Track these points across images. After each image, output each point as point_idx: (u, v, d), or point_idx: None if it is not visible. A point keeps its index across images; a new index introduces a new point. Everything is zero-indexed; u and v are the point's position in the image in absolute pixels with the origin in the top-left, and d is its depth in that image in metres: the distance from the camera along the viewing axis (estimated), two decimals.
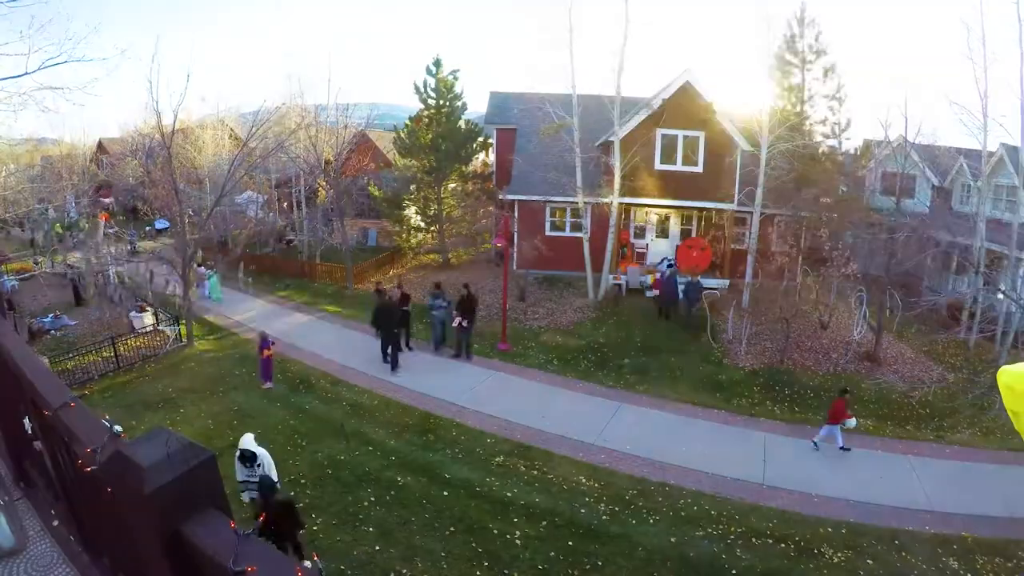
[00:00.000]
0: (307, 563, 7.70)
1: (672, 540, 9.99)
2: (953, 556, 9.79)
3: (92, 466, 2.54)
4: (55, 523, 3.88)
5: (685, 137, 23.43)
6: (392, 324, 16.79)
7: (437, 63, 26.56)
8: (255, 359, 15.97)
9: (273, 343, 15.67)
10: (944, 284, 24.82)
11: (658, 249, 25.64)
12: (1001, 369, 2.31)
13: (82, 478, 2.69)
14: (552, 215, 25.56)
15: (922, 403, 15.52)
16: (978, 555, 9.80)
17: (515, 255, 23.91)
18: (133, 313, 20.21)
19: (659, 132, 23.29)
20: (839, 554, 9.79)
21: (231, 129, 34.57)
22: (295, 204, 34.82)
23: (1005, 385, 2.27)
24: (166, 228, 34.63)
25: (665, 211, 25.54)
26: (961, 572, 9.48)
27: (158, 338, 18.76)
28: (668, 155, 23.60)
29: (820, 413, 14.56)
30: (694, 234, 25.26)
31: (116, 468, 2.39)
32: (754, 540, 10.07)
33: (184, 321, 19.02)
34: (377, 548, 9.43)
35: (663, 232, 26.03)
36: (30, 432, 3.81)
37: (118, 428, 2.62)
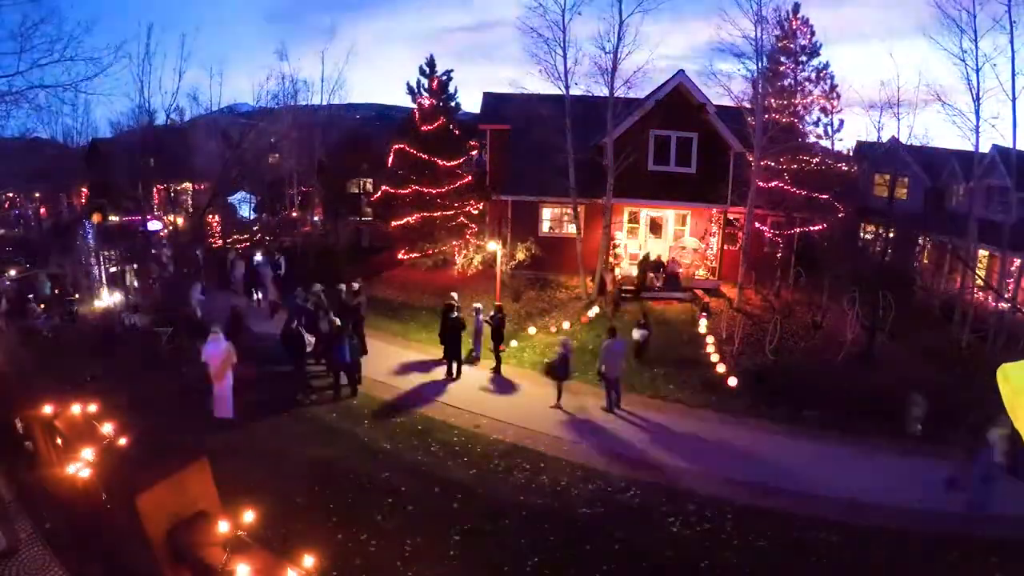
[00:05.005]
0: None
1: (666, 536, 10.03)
2: (957, 555, 9.85)
3: (84, 468, 2.54)
4: (47, 525, 3.86)
5: (678, 138, 23.50)
6: None
7: (431, 63, 26.55)
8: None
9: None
10: (937, 284, 24.95)
11: (652, 249, 25.70)
12: (1001, 366, 2.30)
13: (74, 480, 2.68)
14: (546, 215, 25.62)
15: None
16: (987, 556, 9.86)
17: (509, 255, 23.92)
18: (125, 314, 20.11)
19: (652, 133, 23.37)
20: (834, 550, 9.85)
21: (224, 129, 34.48)
22: (288, 204, 34.73)
23: (1005, 382, 2.26)
24: (158, 231, 34.51)
25: (659, 211, 25.60)
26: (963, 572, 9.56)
27: (153, 339, 18.62)
28: (661, 156, 23.67)
29: (812, 412, 14.64)
30: (687, 235, 25.33)
31: (108, 470, 2.38)
32: (750, 539, 10.10)
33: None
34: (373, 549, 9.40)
35: (656, 232, 26.09)
36: (21, 433, 3.79)
37: (109, 427, 2.62)
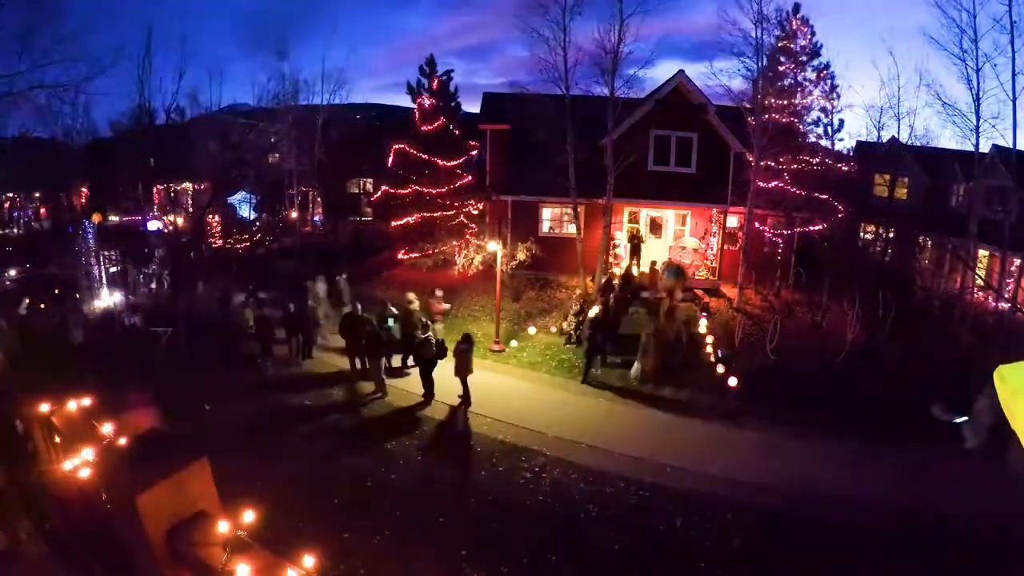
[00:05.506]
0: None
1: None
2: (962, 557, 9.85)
3: (84, 467, 2.54)
4: (47, 525, 3.87)
5: (678, 138, 23.52)
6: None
7: (431, 63, 26.57)
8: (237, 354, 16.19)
9: None
10: (937, 284, 24.96)
11: (651, 249, 25.69)
12: (998, 368, 2.30)
13: (74, 479, 2.68)
14: (546, 215, 25.62)
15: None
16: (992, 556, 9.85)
17: (509, 255, 23.92)
18: (125, 314, 20.14)
19: (653, 133, 23.40)
20: None
21: (224, 129, 34.48)
22: (288, 204, 34.75)
23: (1002, 384, 2.25)
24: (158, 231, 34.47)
25: (659, 211, 25.60)
26: None
27: (152, 338, 18.65)
28: (661, 156, 23.69)
29: (812, 412, 14.63)
30: (688, 235, 25.33)
31: (108, 470, 2.39)
32: (751, 538, 10.11)
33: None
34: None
35: (656, 232, 26.09)
36: (21, 433, 3.79)
37: (109, 427, 2.61)
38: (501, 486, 11.48)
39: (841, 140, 28.24)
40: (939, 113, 22.11)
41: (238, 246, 31.89)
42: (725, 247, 24.25)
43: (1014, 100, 19.41)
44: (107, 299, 22.54)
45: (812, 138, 25.54)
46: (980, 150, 21.99)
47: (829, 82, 25.39)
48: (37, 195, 42.90)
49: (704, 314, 20.33)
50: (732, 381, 15.88)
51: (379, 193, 29.43)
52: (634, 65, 22.14)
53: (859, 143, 33.09)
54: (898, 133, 24.81)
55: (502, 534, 9.95)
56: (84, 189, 40.57)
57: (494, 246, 19.49)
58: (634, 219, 25.79)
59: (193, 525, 2.18)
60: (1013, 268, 22.22)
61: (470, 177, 27.50)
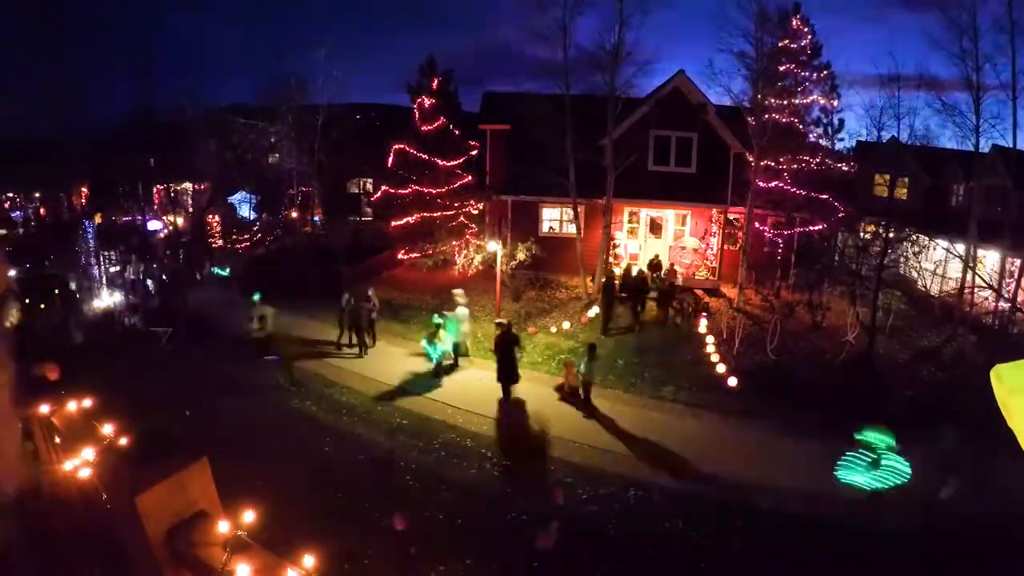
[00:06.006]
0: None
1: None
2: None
3: (84, 467, 2.54)
4: (47, 525, 3.86)
5: (678, 138, 23.54)
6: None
7: (431, 63, 26.58)
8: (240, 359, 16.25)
9: None
10: (937, 284, 24.93)
11: (652, 249, 25.71)
12: (995, 367, 2.30)
13: (74, 480, 2.68)
14: (546, 215, 25.62)
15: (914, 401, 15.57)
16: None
17: (509, 255, 23.92)
18: (126, 314, 20.15)
19: (652, 133, 23.39)
20: None
21: (224, 129, 34.46)
22: (288, 204, 34.73)
23: (999, 383, 2.26)
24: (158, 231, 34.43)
25: (659, 211, 25.60)
26: None
27: (151, 338, 18.68)
28: (661, 156, 23.71)
29: (813, 412, 14.64)
30: (687, 235, 25.33)
31: (108, 470, 2.39)
32: (752, 539, 10.10)
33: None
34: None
35: (656, 232, 26.10)
36: (22, 433, 3.78)
37: (108, 428, 2.61)
38: (499, 485, 11.50)
39: (841, 140, 28.24)
40: (939, 113, 22.09)
41: (238, 246, 31.92)
42: (725, 247, 24.27)
43: (1014, 100, 19.44)
44: (107, 299, 22.56)
45: (812, 138, 25.52)
46: (980, 150, 21.97)
47: (829, 82, 25.38)
48: (37, 195, 42.90)
49: (704, 314, 20.33)
50: (732, 381, 15.92)
51: (379, 193, 29.47)
52: (634, 64, 22.07)
53: (859, 143, 33.04)
54: (898, 133, 24.76)
55: (500, 534, 9.96)
56: (84, 189, 40.54)
57: (494, 246, 19.49)
58: (634, 219, 25.79)
59: (193, 525, 2.19)
60: (1013, 268, 22.21)
61: (470, 177, 27.50)
